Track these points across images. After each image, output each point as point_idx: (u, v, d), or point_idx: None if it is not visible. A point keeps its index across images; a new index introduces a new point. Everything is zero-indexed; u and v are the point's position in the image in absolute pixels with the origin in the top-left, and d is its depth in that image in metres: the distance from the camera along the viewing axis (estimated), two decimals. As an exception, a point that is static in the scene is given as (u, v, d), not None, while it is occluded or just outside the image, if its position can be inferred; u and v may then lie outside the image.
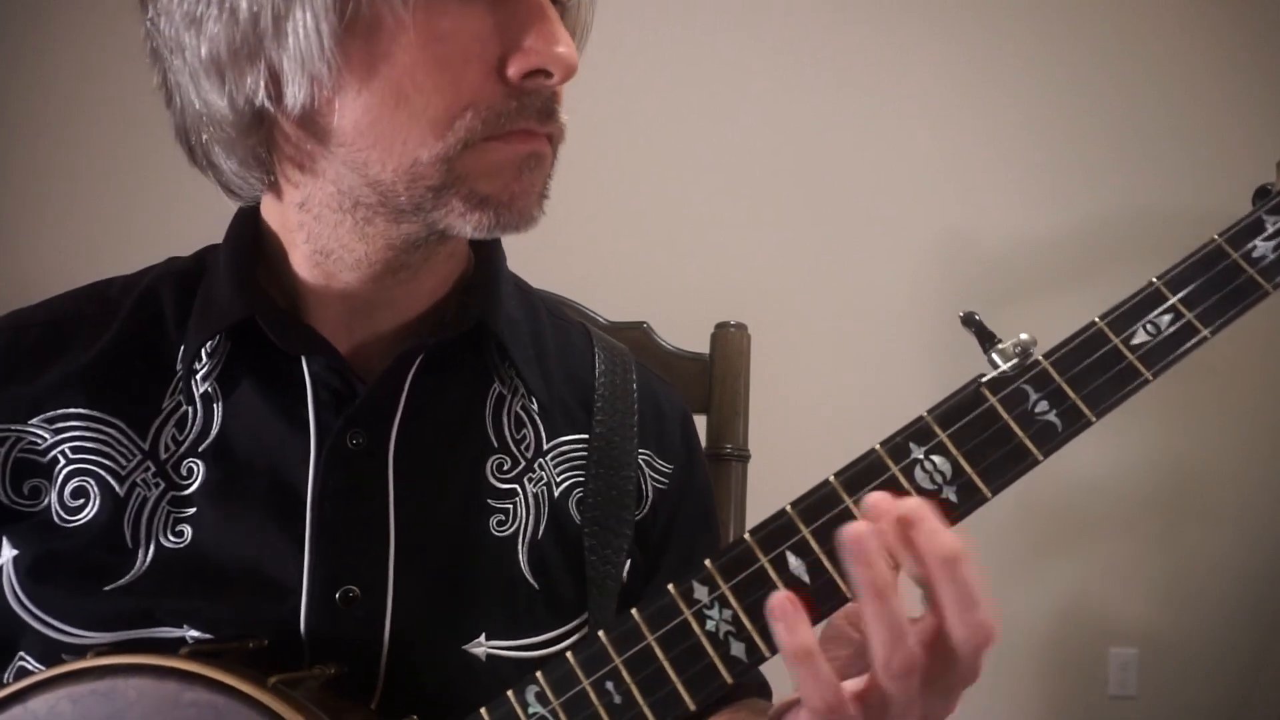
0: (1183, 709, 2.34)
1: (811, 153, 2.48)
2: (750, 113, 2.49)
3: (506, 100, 0.55)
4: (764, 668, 0.50)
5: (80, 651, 0.54)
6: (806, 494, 0.50)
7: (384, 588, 0.59)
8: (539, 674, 0.51)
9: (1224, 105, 2.39)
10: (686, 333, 1.05)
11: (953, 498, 0.48)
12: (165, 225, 1.80)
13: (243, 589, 0.58)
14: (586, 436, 0.70)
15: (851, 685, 0.46)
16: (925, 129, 2.47)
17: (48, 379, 0.61)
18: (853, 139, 2.48)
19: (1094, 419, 0.48)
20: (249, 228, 0.65)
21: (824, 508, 0.49)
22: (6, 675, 0.58)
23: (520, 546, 0.65)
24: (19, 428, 0.60)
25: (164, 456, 0.60)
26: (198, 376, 0.62)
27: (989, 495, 0.48)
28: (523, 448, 0.67)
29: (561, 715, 0.50)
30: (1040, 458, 0.48)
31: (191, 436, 0.61)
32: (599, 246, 2.32)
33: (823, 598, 0.48)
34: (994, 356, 0.50)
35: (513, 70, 0.54)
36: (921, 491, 0.48)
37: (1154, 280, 0.50)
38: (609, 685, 0.49)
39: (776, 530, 0.49)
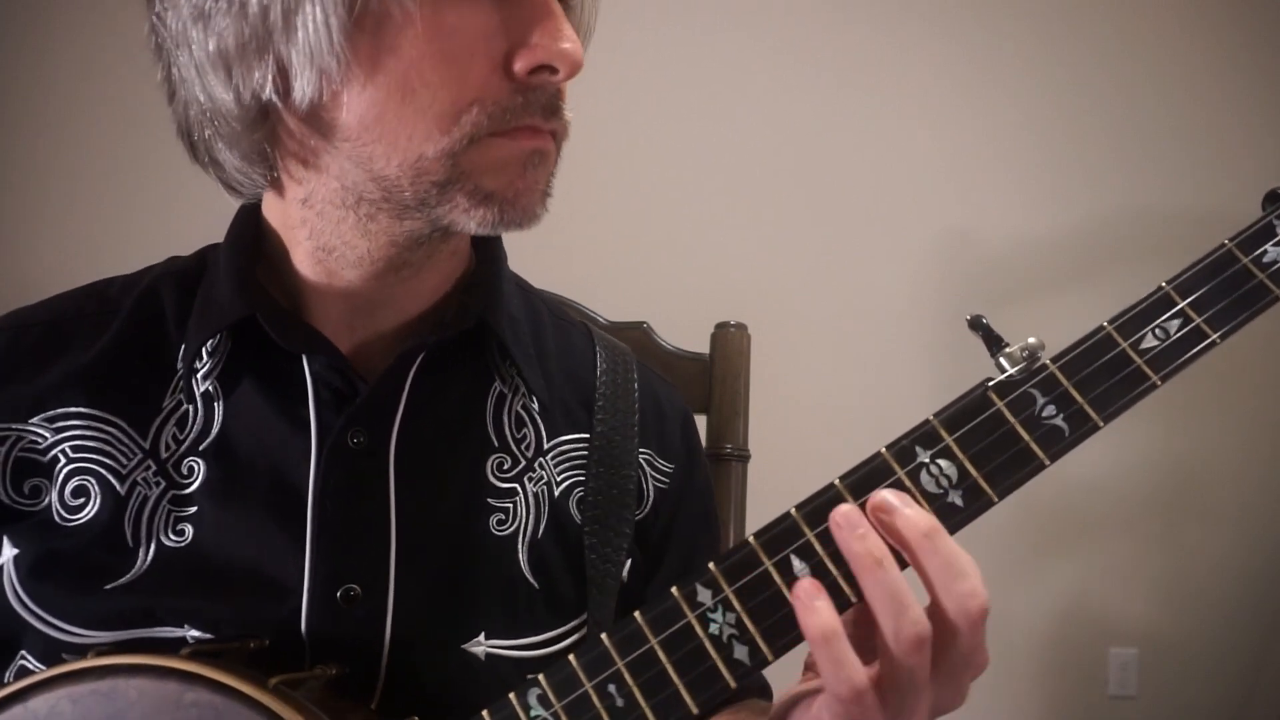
0: (1183, 709, 2.34)
1: (811, 153, 2.48)
2: (750, 113, 2.49)
3: (512, 96, 0.55)
4: (765, 670, 0.50)
5: (81, 651, 0.54)
6: (811, 497, 0.49)
7: (385, 587, 0.59)
8: (541, 676, 0.51)
9: (1224, 105, 2.39)
10: (686, 333, 1.05)
11: (959, 502, 0.48)
12: (165, 225, 1.80)
13: (244, 588, 0.58)
14: (587, 436, 0.70)
15: (867, 672, 0.46)
16: (925, 129, 2.47)
17: (48, 378, 0.61)
18: (853, 139, 2.48)
19: (1101, 424, 0.48)
20: (250, 226, 0.65)
21: (829, 511, 0.48)
22: (7, 675, 0.58)
23: (520, 546, 0.64)
24: (19, 427, 0.60)
25: (165, 455, 0.60)
26: (198, 375, 0.62)
27: (995, 499, 0.48)
28: (523, 447, 0.67)
29: (564, 718, 0.49)
30: (1047, 462, 0.48)
31: (192, 435, 0.61)
32: (599, 246, 2.32)
33: None
34: (1001, 360, 0.50)
35: (519, 66, 0.54)
36: (927, 495, 0.48)
37: (1163, 285, 0.49)
38: (611, 688, 0.49)
39: (781, 533, 0.49)
